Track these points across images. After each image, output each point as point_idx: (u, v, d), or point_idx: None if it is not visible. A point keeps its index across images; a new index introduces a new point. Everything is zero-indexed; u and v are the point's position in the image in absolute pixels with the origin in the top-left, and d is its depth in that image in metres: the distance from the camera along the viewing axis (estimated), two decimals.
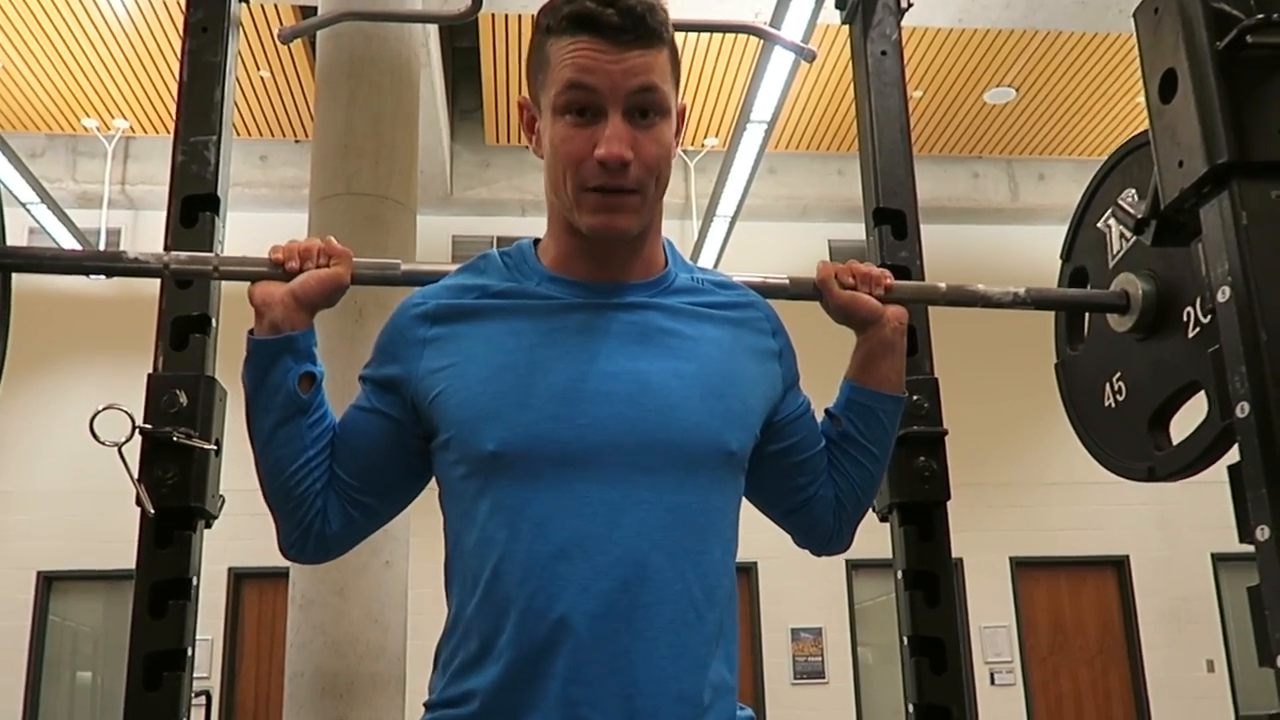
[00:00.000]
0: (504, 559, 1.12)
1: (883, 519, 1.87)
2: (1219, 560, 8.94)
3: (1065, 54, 8.05)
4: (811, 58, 2.54)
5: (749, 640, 8.61)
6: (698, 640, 1.13)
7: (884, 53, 2.02)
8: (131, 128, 8.71)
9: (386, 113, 5.62)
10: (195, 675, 1.67)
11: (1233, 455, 1.35)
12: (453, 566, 1.21)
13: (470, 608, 1.14)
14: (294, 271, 1.29)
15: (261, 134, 8.92)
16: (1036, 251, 9.88)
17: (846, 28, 2.12)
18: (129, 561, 1.61)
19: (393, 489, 1.28)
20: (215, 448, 1.63)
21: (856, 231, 2.06)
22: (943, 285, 1.62)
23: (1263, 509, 1.19)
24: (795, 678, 8.70)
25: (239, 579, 8.29)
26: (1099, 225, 1.67)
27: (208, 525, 1.69)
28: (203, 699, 7.75)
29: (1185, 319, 1.48)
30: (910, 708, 1.80)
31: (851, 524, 1.43)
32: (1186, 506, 8.20)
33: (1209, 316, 1.40)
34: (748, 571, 8.74)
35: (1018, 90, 8.57)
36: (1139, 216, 1.54)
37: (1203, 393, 1.43)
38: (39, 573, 8.28)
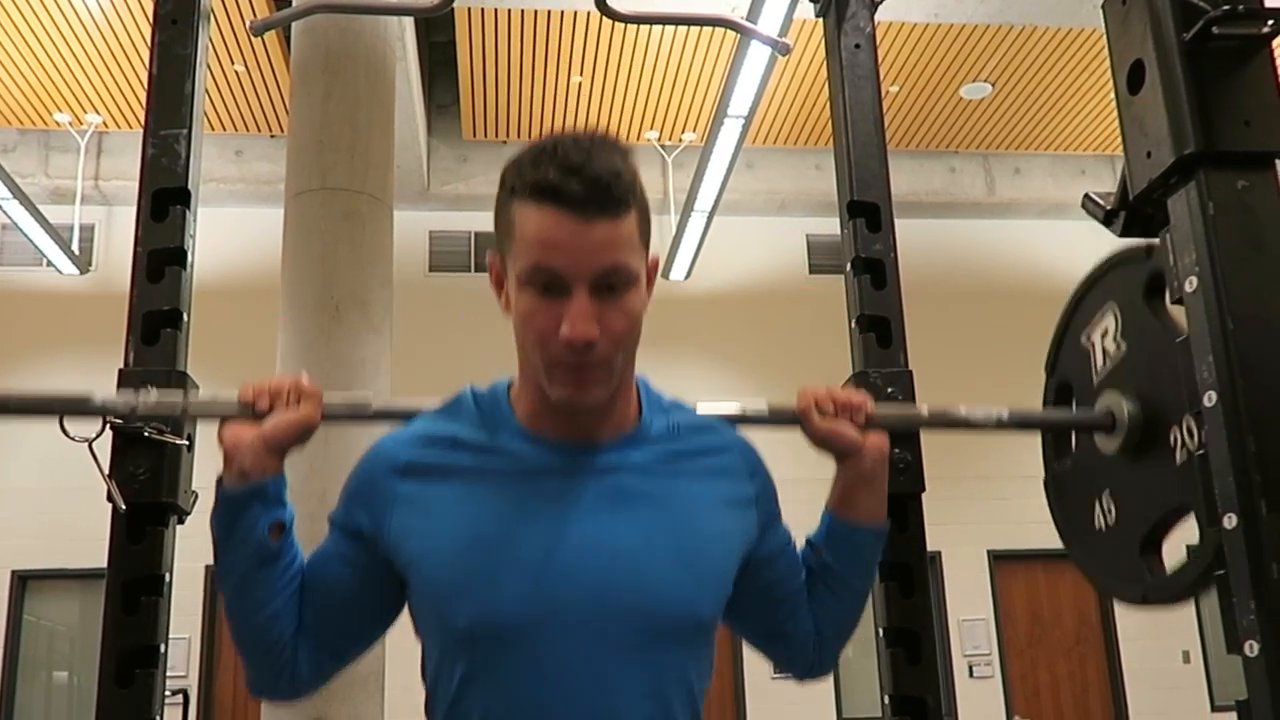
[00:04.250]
0: None
1: None
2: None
3: (1040, 49, 8.10)
4: (786, 51, 2.54)
5: (729, 638, 8.58)
6: None
7: (858, 45, 2.02)
8: (104, 122, 8.64)
9: (362, 107, 5.60)
10: (173, 674, 1.66)
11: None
12: (427, 670, 1.22)
13: None
14: (264, 412, 1.26)
15: (236, 129, 8.86)
16: (1012, 245, 9.98)
17: (821, 21, 2.12)
18: (104, 559, 1.59)
19: (363, 632, 1.29)
20: (187, 443, 1.61)
21: (834, 226, 2.06)
22: (924, 409, 1.61)
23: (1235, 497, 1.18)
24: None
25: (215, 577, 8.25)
26: (1082, 341, 1.63)
27: (180, 521, 1.67)
28: (180, 698, 7.70)
29: (1173, 441, 1.44)
30: (886, 699, 1.80)
31: (833, 654, 1.43)
32: None
33: (1194, 438, 1.38)
34: None
35: (993, 85, 8.61)
36: (1107, 208, 1.55)
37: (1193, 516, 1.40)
38: (14, 572, 8.22)
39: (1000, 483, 8.73)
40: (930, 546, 1.84)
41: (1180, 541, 1.45)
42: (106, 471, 1.55)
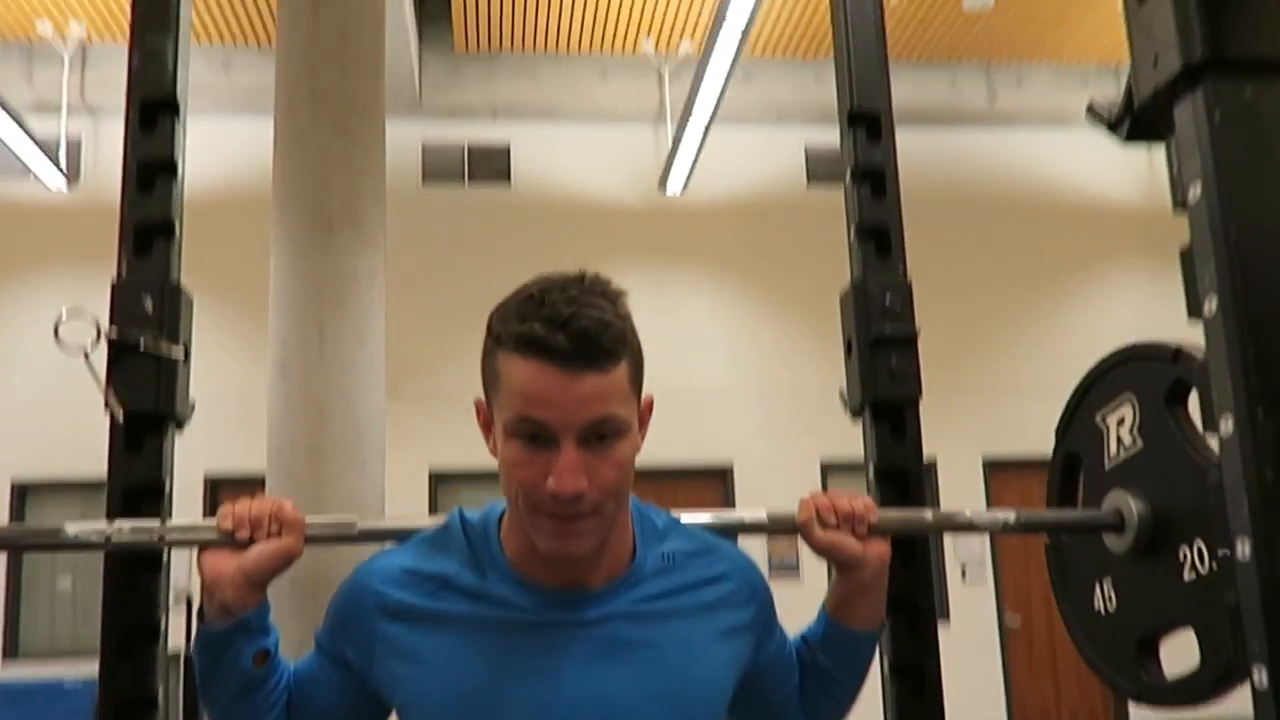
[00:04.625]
0: None
1: (855, 415, 1.89)
2: None
3: None
4: None
5: None
6: None
7: None
8: (89, 33, 8.45)
9: (352, 18, 5.48)
10: (177, 581, 1.68)
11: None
12: None
13: None
14: (245, 541, 1.23)
15: (224, 40, 8.68)
16: (1013, 157, 9.88)
17: None
18: (104, 470, 1.60)
19: None
20: (183, 355, 1.61)
21: (833, 136, 2.03)
22: (928, 514, 1.59)
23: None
24: (770, 574, 8.85)
25: (215, 485, 8.31)
26: (1096, 419, 1.58)
27: (179, 430, 1.68)
28: (184, 603, 7.80)
29: (1182, 558, 1.40)
30: None
31: None
32: None
33: (1210, 565, 1.34)
34: (723, 474, 8.84)
35: None
36: (1111, 116, 1.52)
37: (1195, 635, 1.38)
38: (13, 482, 8.27)
39: (997, 392, 8.79)
40: (926, 453, 1.86)
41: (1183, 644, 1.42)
42: (104, 382, 1.55)
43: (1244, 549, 1.04)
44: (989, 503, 8.71)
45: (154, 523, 1.41)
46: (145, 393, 1.59)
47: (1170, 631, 1.46)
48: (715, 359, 9.05)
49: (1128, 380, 1.51)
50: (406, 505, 8.14)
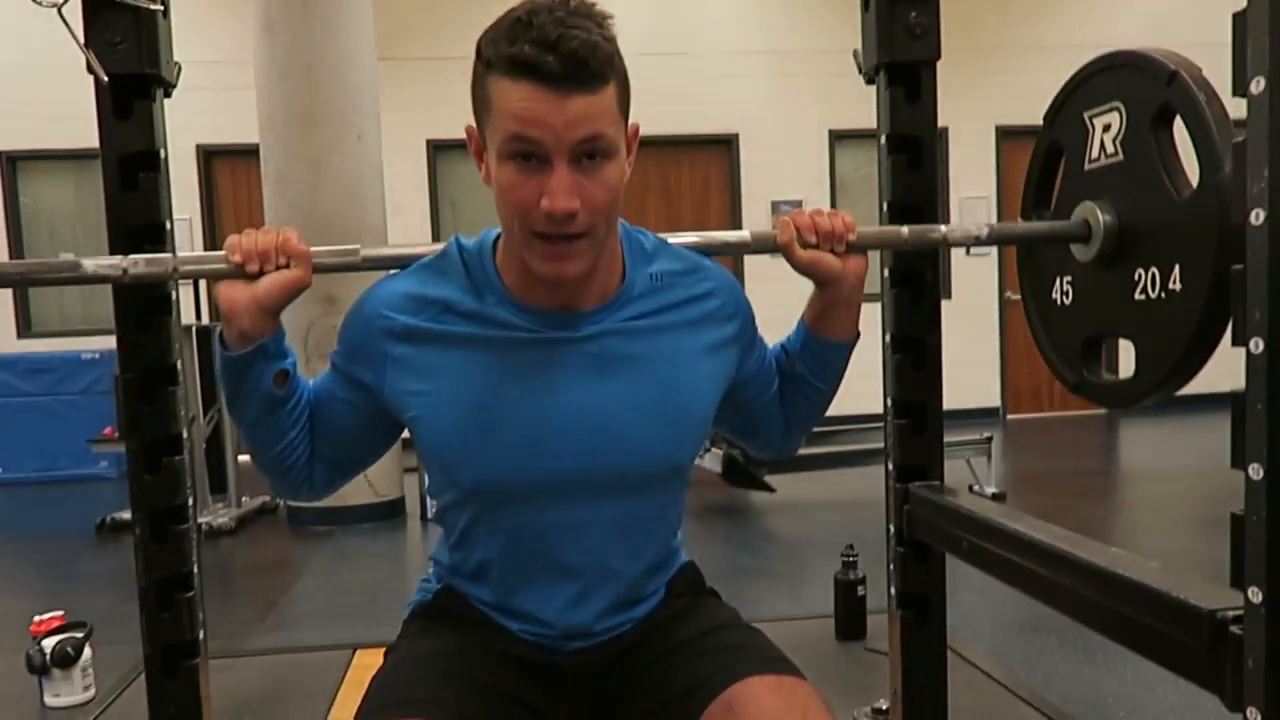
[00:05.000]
0: (487, 558, 1.33)
1: (869, 80, 1.81)
2: None
3: None
4: None
5: (730, 214, 8.76)
6: (639, 590, 1.37)
7: None
8: None
9: None
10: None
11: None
12: (438, 498, 1.38)
13: (461, 553, 1.36)
14: (255, 274, 1.27)
15: None
16: None
17: None
18: (95, 139, 1.55)
19: (371, 452, 1.41)
20: (162, 7, 1.51)
21: None
22: (905, 230, 1.58)
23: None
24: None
25: (208, 156, 8.22)
26: (1085, 116, 1.53)
27: (167, 94, 1.61)
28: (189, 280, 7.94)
29: (1136, 279, 1.41)
30: (885, 273, 1.84)
31: (798, 439, 1.58)
32: None
33: (1160, 293, 1.37)
34: (728, 144, 8.71)
35: None
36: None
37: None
38: (2, 153, 8.15)
39: (1016, 54, 8.47)
40: (939, 122, 1.80)
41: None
42: (82, 40, 1.47)
43: (1257, 471, 0.99)
44: (999, 172, 8.63)
45: (167, 256, 1.41)
46: (127, 51, 1.51)
47: (1113, 338, 1.52)
48: (721, 20, 8.66)
49: (1121, 87, 1.47)
50: (405, 177, 8.07)
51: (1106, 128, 1.49)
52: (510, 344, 1.26)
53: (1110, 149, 1.49)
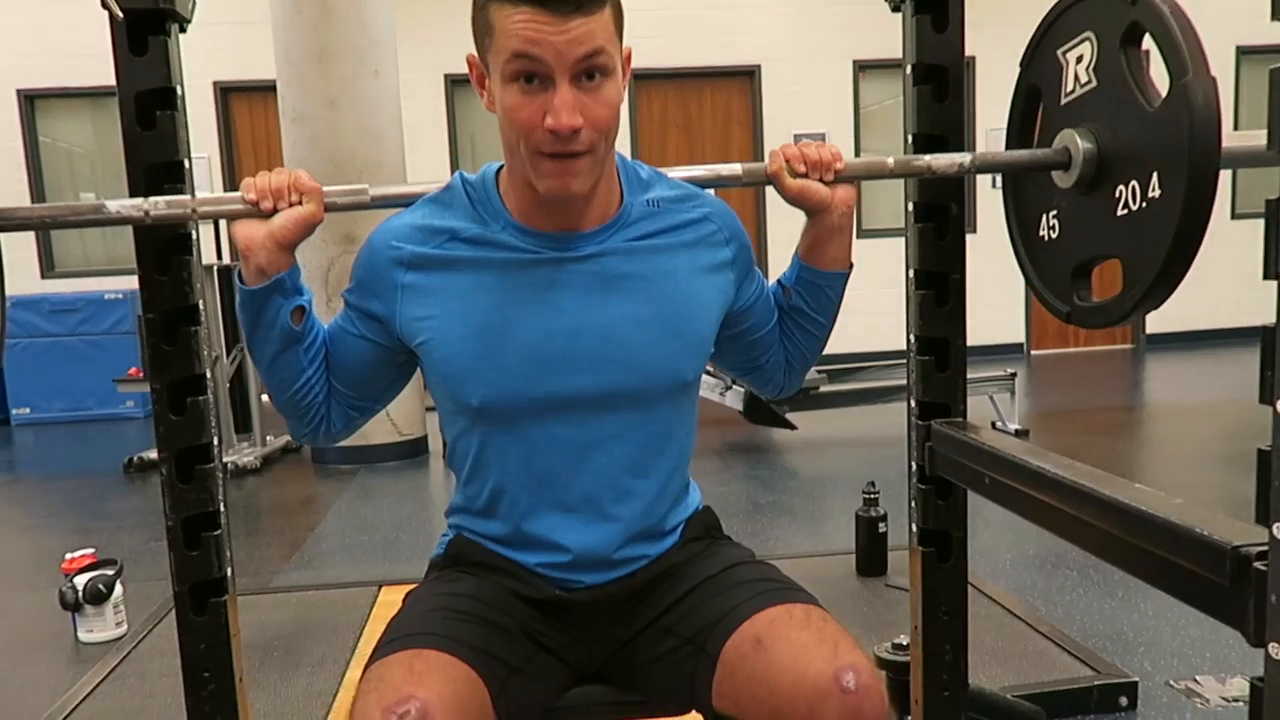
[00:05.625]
0: (499, 485, 1.36)
1: (895, 9, 1.77)
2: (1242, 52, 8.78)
3: None
4: None
5: (752, 147, 8.67)
6: (652, 519, 1.39)
7: None
8: None
9: None
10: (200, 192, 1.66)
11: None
12: (448, 432, 1.42)
13: (473, 486, 1.40)
14: (269, 211, 1.31)
15: None
16: None
17: None
18: (111, 77, 1.54)
19: (387, 390, 1.43)
20: None
21: None
22: (890, 160, 1.58)
23: None
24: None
25: (225, 93, 8.18)
26: (1057, 53, 1.57)
27: (182, 29, 1.59)
28: (209, 222, 7.94)
29: (1117, 196, 1.44)
30: (910, 206, 1.82)
31: (800, 376, 1.61)
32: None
33: (1140, 204, 1.40)
34: (750, 74, 8.59)
35: None
36: None
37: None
38: (19, 91, 8.14)
39: None
40: (966, 51, 1.76)
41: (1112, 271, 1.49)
42: None
43: None
44: None
45: (186, 198, 1.42)
46: None
47: (1101, 261, 1.55)
48: None
49: (1090, 17, 1.51)
50: (422, 113, 8.02)
51: (1079, 59, 1.54)
52: (514, 265, 1.31)
53: (1084, 78, 1.53)
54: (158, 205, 1.40)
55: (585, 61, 1.16)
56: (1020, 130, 1.71)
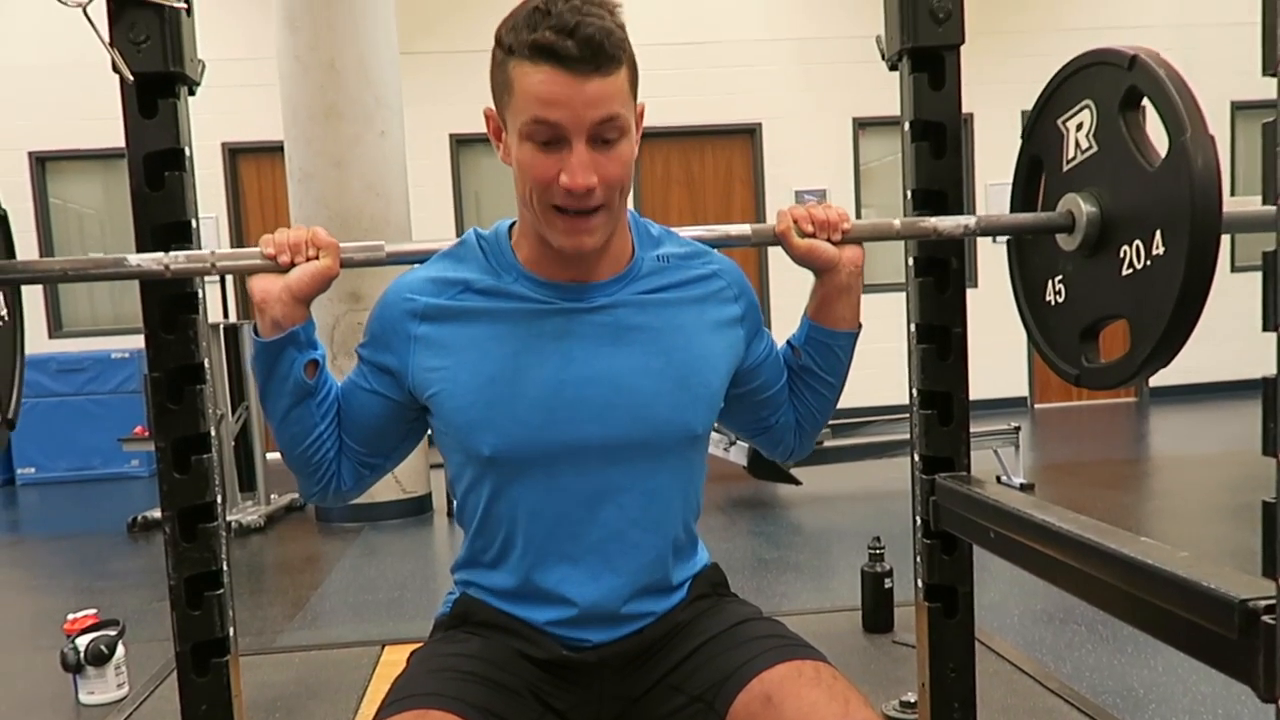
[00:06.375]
0: (509, 537, 1.35)
1: (892, 67, 1.80)
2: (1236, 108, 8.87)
3: None
4: None
5: (754, 204, 8.73)
6: (659, 574, 1.39)
7: None
8: None
9: None
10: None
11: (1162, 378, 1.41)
12: (457, 487, 1.40)
13: (482, 539, 1.39)
14: (286, 266, 1.34)
15: None
16: None
17: None
18: (121, 139, 1.56)
19: (398, 447, 1.44)
20: (185, 6, 1.52)
21: None
22: (896, 222, 1.61)
23: None
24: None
25: (233, 154, 8.27)
26: (1058, 123, 1.61)
27: (191, 92, 1.62)
28: (216, 278, 8.00)
29: (1122, 256, 1.47)
30: (910, 261, 1.83)
31: (811, 439, 1.61)
32: (1207, 51, 8.00)
33: (1146, 262, 1.42)
34: (751, 132, 8.69)
35: None
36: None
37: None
38: (30, 153, 8.24)
39: (1038, 37, 8.41)
40: (964, 108, 1.79)
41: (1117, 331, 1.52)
42: (107, 40, 1.48)
43: None
44: None
45: (206, 252, 1.46)
46: (152, 50, 1.52)
47: (1108, 322, 1.57)
48: (743, 9, 8.62)
49: (1088, 86, 1.55)
50: (428, 172, 8.10)
51: (1079, 126, 1.57)
52: (527, 315, 1.32)
53: (1085, 144, 1.56)
54: (177, 259, 1.43)
55: (601, 125, 1.18)
56: (1024, 199, 1.73)
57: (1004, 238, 1.76)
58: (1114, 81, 1.48)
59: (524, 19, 1.17)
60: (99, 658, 3.10)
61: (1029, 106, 1.67)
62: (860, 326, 1.54)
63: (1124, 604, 1.22)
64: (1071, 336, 1.62)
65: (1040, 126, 1.67)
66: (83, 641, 3.11)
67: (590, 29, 1.14)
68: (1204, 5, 8.60)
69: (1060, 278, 1.64)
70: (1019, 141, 1.70)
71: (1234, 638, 1.02)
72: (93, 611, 3.33)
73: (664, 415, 1.33)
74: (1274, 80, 1.01)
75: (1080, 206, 1.54)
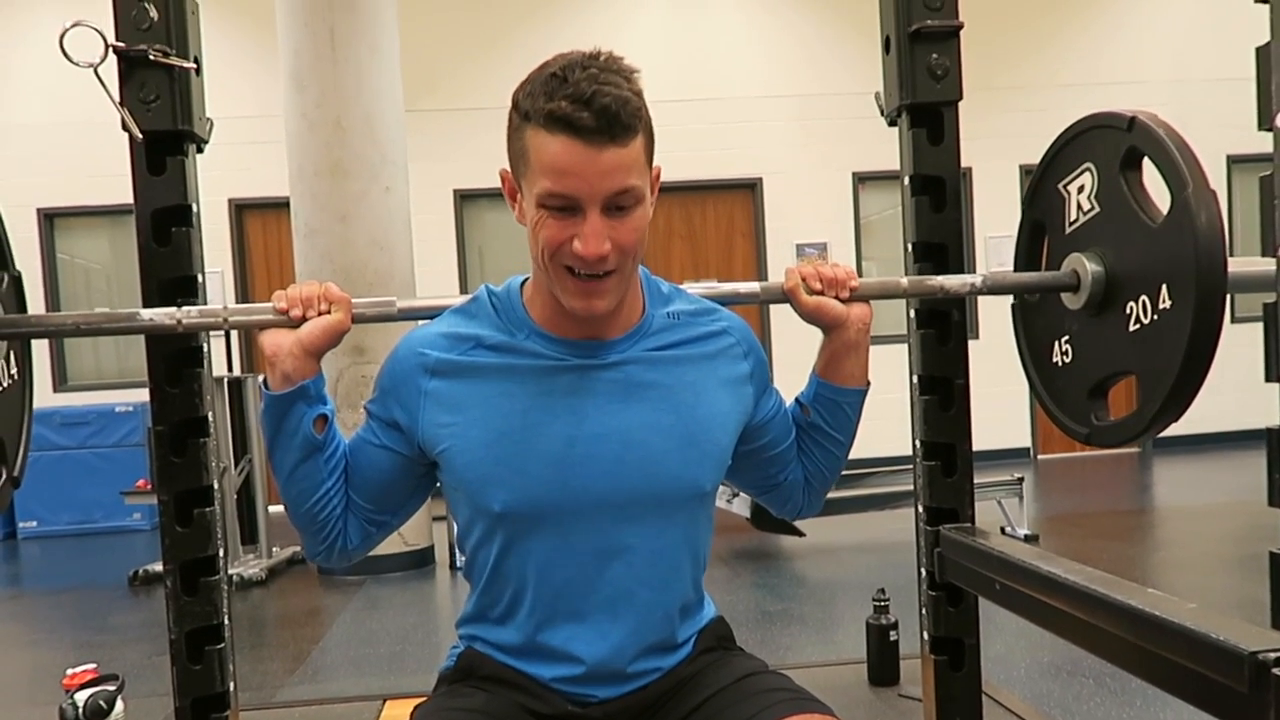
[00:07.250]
0: (518, 593, 1.35)
1: (891, 123, 1.82)
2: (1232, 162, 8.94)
3: None
4: None
5: (755, 257, 8.77)
6: (666, 632, 1.38)
7: None
8: None
9: None
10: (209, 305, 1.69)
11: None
12: (466, 544, 1.39)
13: (490, 595, 1.38)
14: (298, 320, 1.36)
15: None
16: None
17: None
18: (129, 195, 1.58)
19: (405, 504, 1.43)
20: (195, 66, 1.55)
21: None
22: (904, 280, 1.64)
23: None
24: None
25: (240, 210, 8.33)
26: (1059, 187, 1.65)
27: (199, 150, 1.64)
28: (221, 333, 8.02)
29: (1128, 312, 1.50)
30: (912, 313, 1.84)
31: (820, 496, 1.62)
32: (1203, 106, 8.07)
33: (1152, 317, 1.45)
34: (752, 187, 8.75)
35: None
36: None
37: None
38: (39, 210, 8.30)
39: (1036, 92, 8.48)
40: (963, 162, 1.80)
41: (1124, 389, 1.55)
42: (117, 99, 1.50)
43: None
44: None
45: (218, 306, 1.48)
46: (161, 109, 1.54)
47: (1116, 379, 1.58)
48: (744, 65, 8.73)
49: (1088, 150, 1.57)
50: (432, 228, 8.14)
51: (1080, 189, 1.60)
52: (538, 371, 1.32)
53: (1087, 205, 1.58)
54: (190, 314, 1.44)
55: (615, 197, 1.19)
56: (1027, 261, 1.75)
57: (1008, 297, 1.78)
58: (1114, 143, 1.50)
59: (541, 86, 1.18)
60: (98, 713, 3.06)
61: (1027, 160, 1.70)
62: (869, 384, 1.54)
63: (1132, 656, 1.21)
64: (1080, 395, 1.63)
65: (1041, 192, 1.69)
66: (81, 697, 3.08)
67: (607, 99, 1.15)
68: (1198, 60, 8.68)
69: (1067, 338, 1.65)
70: (1018, 194, 1.73)
71: (1244, 690, 1.01)
72: (92, 666, 3.30)
73: (673, 472, 1.33)
74: (1270, 135, 1.03)
75: (1085, 265, 1.56)
